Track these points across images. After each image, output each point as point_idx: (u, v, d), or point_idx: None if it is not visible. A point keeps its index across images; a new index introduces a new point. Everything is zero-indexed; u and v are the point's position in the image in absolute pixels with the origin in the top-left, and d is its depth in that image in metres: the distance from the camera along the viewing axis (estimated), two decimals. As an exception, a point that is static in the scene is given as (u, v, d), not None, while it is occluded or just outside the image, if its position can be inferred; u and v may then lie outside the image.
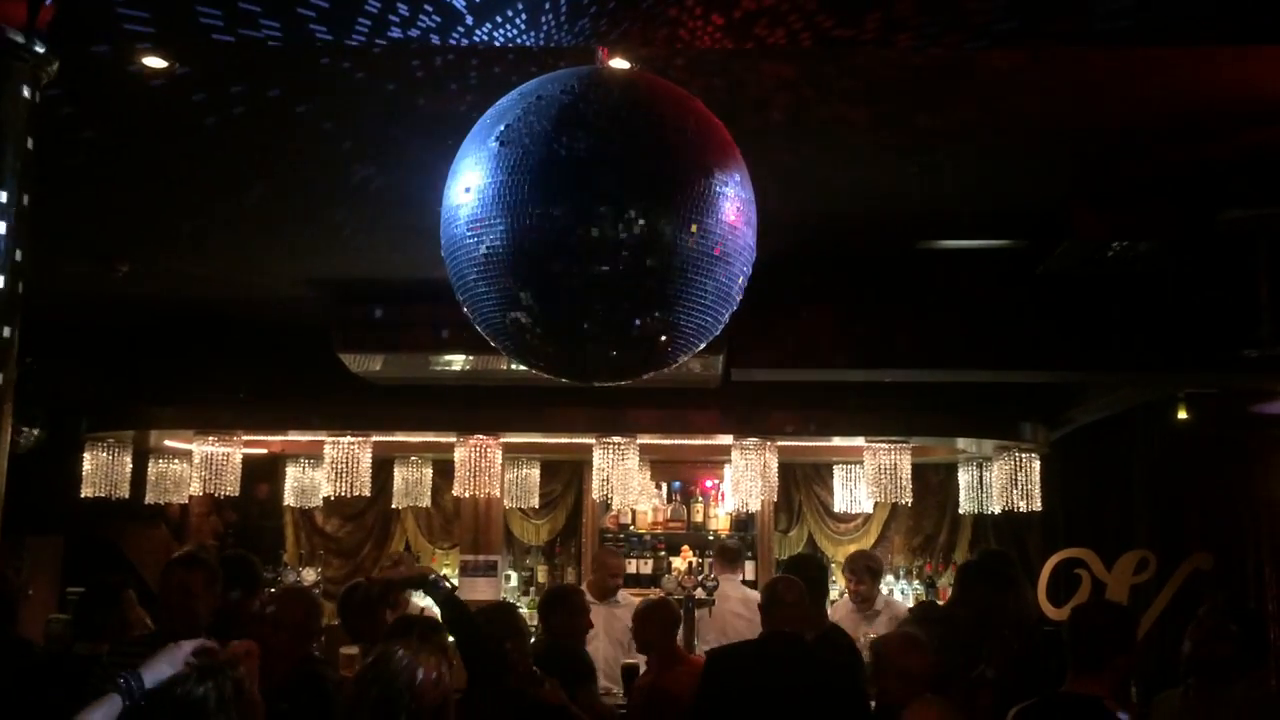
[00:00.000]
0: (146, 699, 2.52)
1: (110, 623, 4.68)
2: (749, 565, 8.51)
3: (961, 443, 7.13)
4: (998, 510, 7.05)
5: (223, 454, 6.83)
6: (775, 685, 4.09)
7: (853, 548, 8.74)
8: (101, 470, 6.93)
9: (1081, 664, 3.37)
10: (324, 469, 6.93)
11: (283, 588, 4.77)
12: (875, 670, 3.95)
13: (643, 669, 5.42)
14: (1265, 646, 3.75)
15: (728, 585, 7.04)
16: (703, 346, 2.13)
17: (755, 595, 7.08)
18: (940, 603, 8.01)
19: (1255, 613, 3.91)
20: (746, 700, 4.13)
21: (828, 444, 7.38)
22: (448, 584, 3.68)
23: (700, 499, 8.91)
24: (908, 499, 6.73)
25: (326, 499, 7.48)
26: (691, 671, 4.90)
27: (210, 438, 6.81)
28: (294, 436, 7.37)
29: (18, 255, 2.19)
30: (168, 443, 7.22)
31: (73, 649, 4.63)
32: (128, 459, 7.08)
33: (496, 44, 2.76)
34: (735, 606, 6.93)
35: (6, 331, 2.16)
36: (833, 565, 8.59)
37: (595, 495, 6.83)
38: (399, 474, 7.95)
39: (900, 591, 8.44)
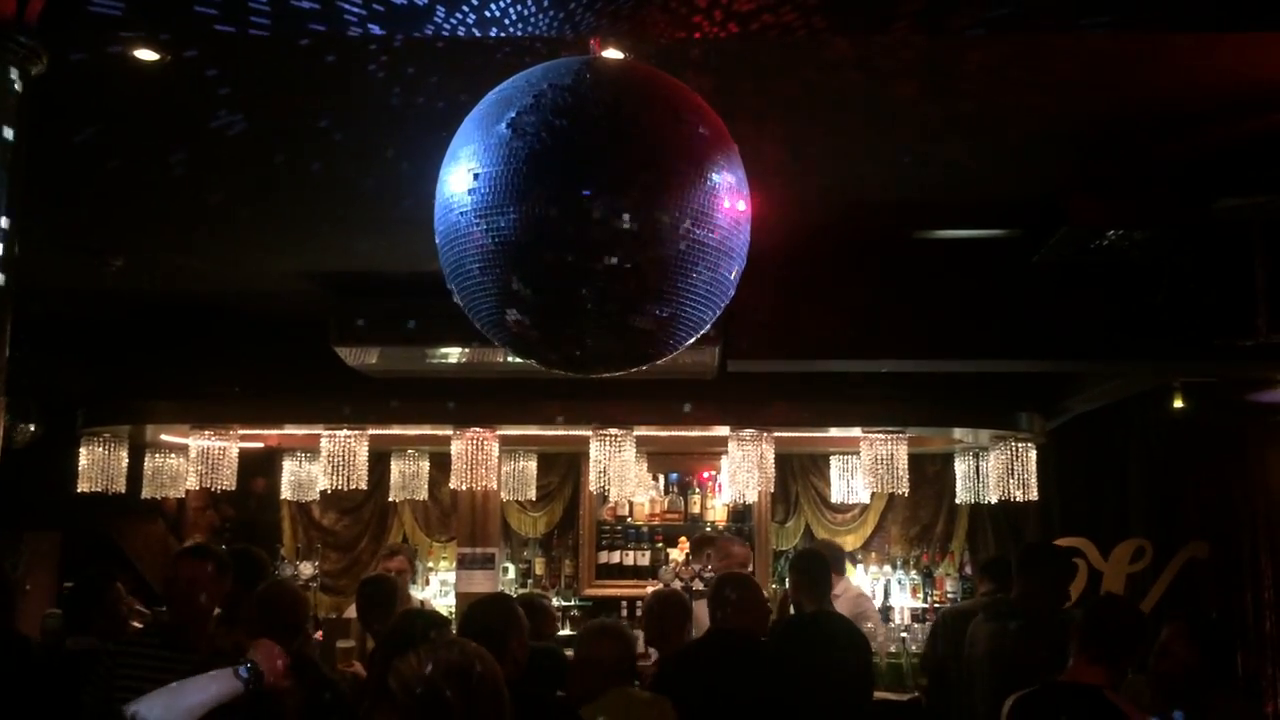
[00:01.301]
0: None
1: (98, 616, 4.69)
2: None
3: (958, 433, 7.14)
4: (994, 500, 7.06)
5: (219, 448, 6.82)
6: (723, 684, 4.05)
7: (849, 538, 8.79)
8: (98, 465, 6.92)
9: (1088, 655, 3.37)
10: (320, 462, 6.92)
11: (265, 582, 4.79)
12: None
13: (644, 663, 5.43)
14: (1231, 665, 3.70)
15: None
16: (698, 338, 2.13)
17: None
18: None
19: (1221, 630, 3.83)
20: (697, 700, 4.11)
21: (824, 435, 7.38)
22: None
23: (697, 490, 8.91)
24: (904, 489, 6.73)
25: (323, 492, 7.47)
26: None
27: (206, 432, 6.80)
28: (290, 430, 7.36)
29: (9, 249, 2.18)
30: (164, 437, 7.21)
31: (65, 644, 4.63)
32: (124, 454, 7.07)
33: (493, 35, 2.75)
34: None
35: None
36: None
37: (592, 487, 6.83)
38: (395, 467, 7.94)
39: (897, 582, 8.46)
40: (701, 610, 6.51)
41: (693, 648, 4.52)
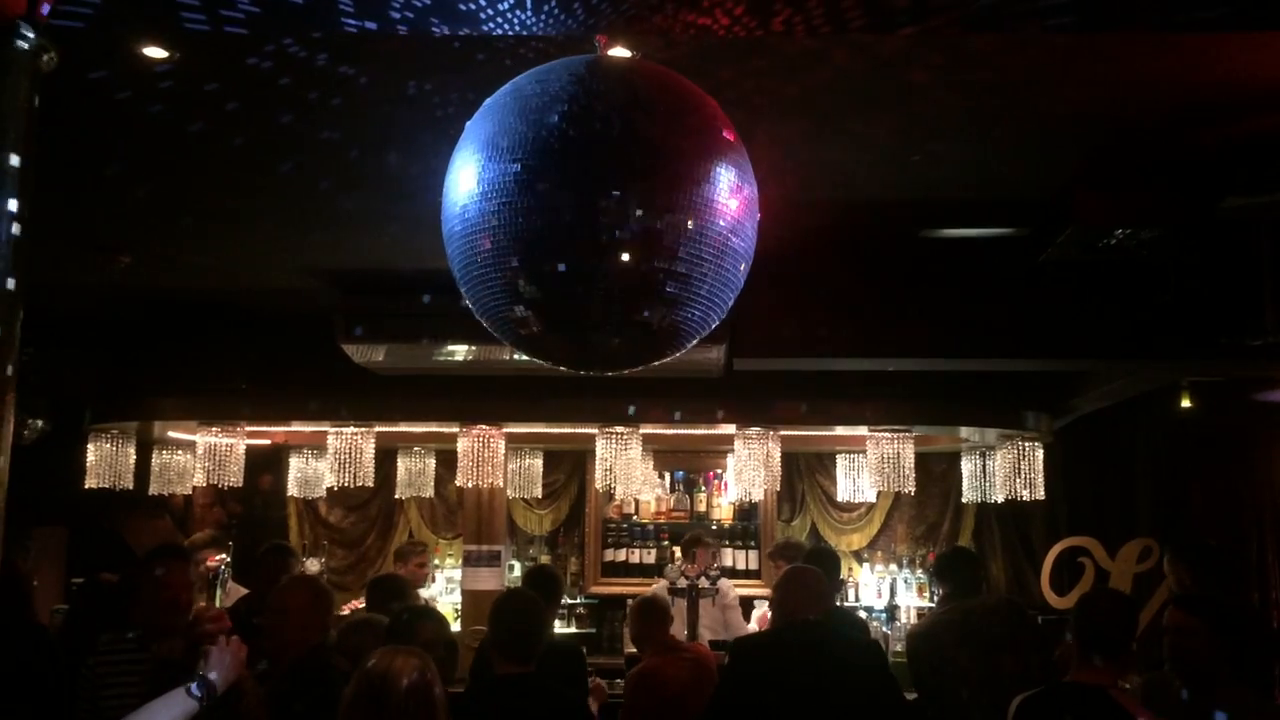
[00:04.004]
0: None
1: (118, 612, 4.70)
2: (747, 555, 8.57)
3: (964, 432, 7.13)
4: (1001, 499, 7.05)
5: (226, 445, 6.84)
6: (800, 671, 4.09)
7: (855, 537, 8.79)
8: (105, 461, 6.95)
9: (1088, 653, 3.36)
10: (327, 459, 6.94)
11: (289, 576, 4.87)
12: None
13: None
14: (1240, 631, 3.65)
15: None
16: (705, 336, 2.13)
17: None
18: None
19: (1221, 601, 3.79)
20: (768, 686, 4.14)
21: (830, 433, 7.37)
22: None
23: (703, 488, 8.92)
24: (911, 488, 6.73)
25: (330, 489, 7.49)
26: (687, 659, 4.93)
27: (213, 428, 6.82)
28: (297, 427, 7.38)
29: (21, 248, 2.18)
30: (171, 434, 7.23)
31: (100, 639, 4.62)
32: (131, 450, 7.10)
33: (500, 33, 2.76)
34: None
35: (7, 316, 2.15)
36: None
37: (598, 485, 6.84)
38: (402, 464, 7.96)
39: (903, 581, 8.46)
40: (703, 605, 6.58)
41: (765, 636, 4.58)
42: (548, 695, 3.69)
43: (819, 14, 2.64)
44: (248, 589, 6.33)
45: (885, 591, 8.38)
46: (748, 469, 6.70)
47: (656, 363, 2.17)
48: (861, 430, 6.82)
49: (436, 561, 8.75)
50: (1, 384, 2.10)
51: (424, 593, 8.04)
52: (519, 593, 4.43)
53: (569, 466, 8.90)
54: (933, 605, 8.20)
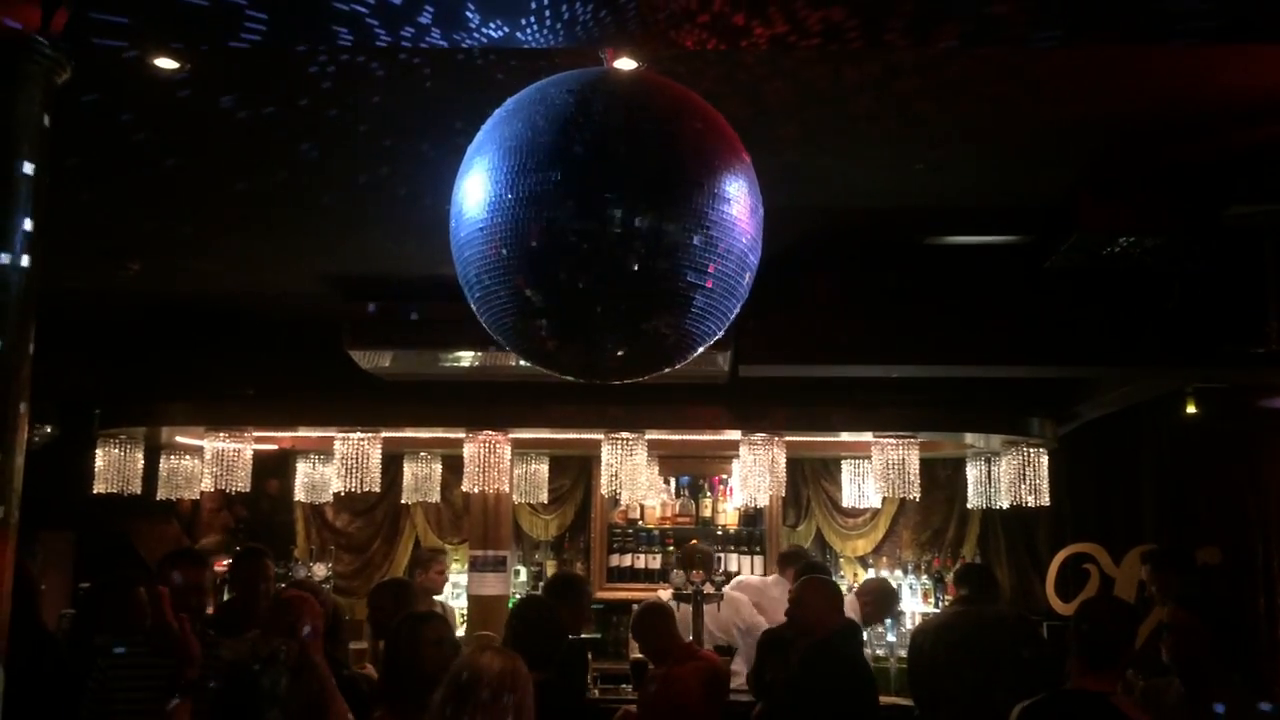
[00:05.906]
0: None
1: (115, 617, 4.72)
2: (752, 560, 8.59)
3: (969, 438, 7.14)
4: (1006, 505, 7.05)
5: (234, 450, 6.86)
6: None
7: (861, 543, 8.80)
8: (113, 466, 6.97)
9: (1088, 660, 3.37)
10: (334, 465, 6.96)
11: (287, 584, 4.83)
12: None
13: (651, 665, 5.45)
14: (1239, 631, 3.67)
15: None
16: (711, 343, 2.15)
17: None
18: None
19: (1216, 600, 3.80)
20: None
21: (836, 439, 7.38)
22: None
23: (708, 494, 8.93)
24: (916, 494, 6.73)
25: (337, 494, 7.50)
26: (704, 666, 4.92)
27: (221, 434, 6.85)
28: (304, 432, 7.40)
29: (35, 258, 2.21)
30: (179, 439, 7.25)
31: (94, 640, 4.65)
32: (139, 455, 7.12)
33: (508, 46, 2.78)
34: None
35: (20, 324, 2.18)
36: (841, 560, 8.75)
37: (604, 490, 6.86)
38: (408, 469, 7.97)
39: (909, 586, 8.45)
40: (709, 610, 6.58)
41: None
42: (567, 697, 3.74)
43: (822, 33, 2.66)
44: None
45: (890, 597, 8.36)
46: (753, 474, 6.70)
47: (662, 371, 2.19)
48: (866, 436, 6.83)
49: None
50: (14, 390, 2.13)
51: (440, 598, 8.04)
52: (536, 601, 4.45)
53: (574, 472, 8.91)
54: (937, 610, 8.22)
